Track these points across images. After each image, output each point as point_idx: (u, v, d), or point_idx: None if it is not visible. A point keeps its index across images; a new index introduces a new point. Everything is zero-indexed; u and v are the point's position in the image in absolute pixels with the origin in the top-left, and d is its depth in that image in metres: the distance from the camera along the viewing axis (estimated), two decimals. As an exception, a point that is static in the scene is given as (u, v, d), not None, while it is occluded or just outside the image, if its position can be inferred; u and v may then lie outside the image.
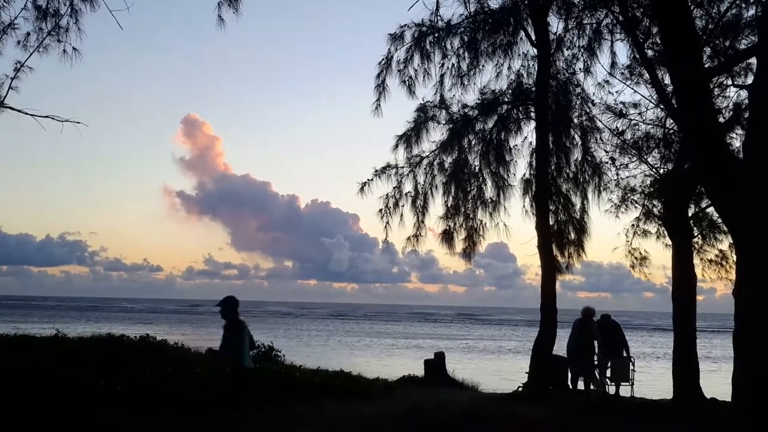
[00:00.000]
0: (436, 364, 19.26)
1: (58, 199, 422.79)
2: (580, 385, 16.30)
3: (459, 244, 18.86)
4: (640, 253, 18.76)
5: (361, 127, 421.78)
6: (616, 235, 18.85)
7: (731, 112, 16.14)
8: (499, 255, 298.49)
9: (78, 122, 14.04)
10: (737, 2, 15.07)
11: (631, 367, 15.71)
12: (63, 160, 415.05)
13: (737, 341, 10.49)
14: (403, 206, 18.48)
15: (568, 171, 18.78)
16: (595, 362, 15.91)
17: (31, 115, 13.94)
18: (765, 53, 10.70)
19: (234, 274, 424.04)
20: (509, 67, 18.13)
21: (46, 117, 13.93)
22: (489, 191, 18.80)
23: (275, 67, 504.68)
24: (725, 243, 18.01)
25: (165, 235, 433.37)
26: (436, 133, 18.36)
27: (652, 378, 25.97)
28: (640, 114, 17.51)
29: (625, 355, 15.67)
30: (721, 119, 15.06)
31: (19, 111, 13.92)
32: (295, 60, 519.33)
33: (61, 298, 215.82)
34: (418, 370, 19.72)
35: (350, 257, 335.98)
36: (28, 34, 13.51)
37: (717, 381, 20.56)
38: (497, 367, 34.33)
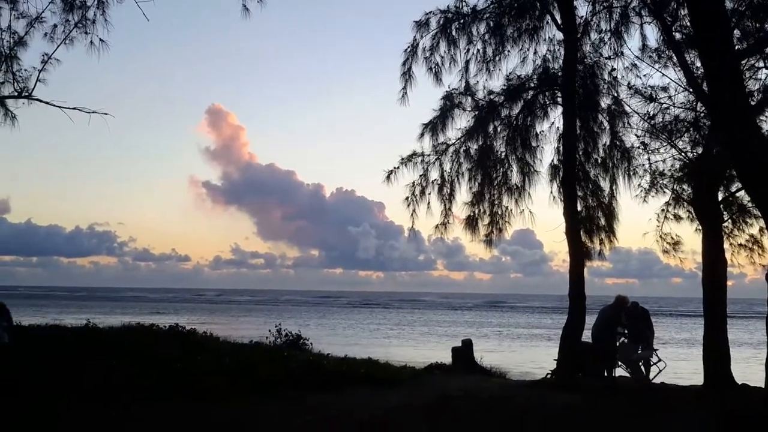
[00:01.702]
0: (463, 352, 19.25)
1: (87, 190, 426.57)
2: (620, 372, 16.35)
3: (483, 230, 18.73)
4: (672, 238, 18.51)
5: (386, 115, 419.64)
6: (647, 221, 18.55)
7: (761, 95, 15.84)
8: (526, 242, 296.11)
9: (105, 113, 14.27)
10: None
11: (653, 358, 16.20)
12: (90, 151, 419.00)
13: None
14: (429, 194, 18.34)
15: (596, 156, 18.51)
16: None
17: (59, 107, 14.16)
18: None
19: (261, 264, 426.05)
20: (535, 52, 17.93)
21: (74, 109, 14.17)
22: (515, 177, 18.61)
23: (299, 55, 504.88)
24: (756, 227, 17.75)
25: (192, 225, 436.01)
26: (462, 120, 18.22)
27: (684, 364, 25.76)
28: (669, 98, 17.22)
29: (648, 343, 16.08)
30: (752, 102, 14.78)
31: (47, 103, 14.15)
32: (320, 48, 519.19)
33: (90, 288, 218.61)
34: (446, 358, 19.74)
35: (376, 245, 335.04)
36: (55, 26, 13.76)
37: (748, 367, 20.33)
38: (525, 355, 34.31)
